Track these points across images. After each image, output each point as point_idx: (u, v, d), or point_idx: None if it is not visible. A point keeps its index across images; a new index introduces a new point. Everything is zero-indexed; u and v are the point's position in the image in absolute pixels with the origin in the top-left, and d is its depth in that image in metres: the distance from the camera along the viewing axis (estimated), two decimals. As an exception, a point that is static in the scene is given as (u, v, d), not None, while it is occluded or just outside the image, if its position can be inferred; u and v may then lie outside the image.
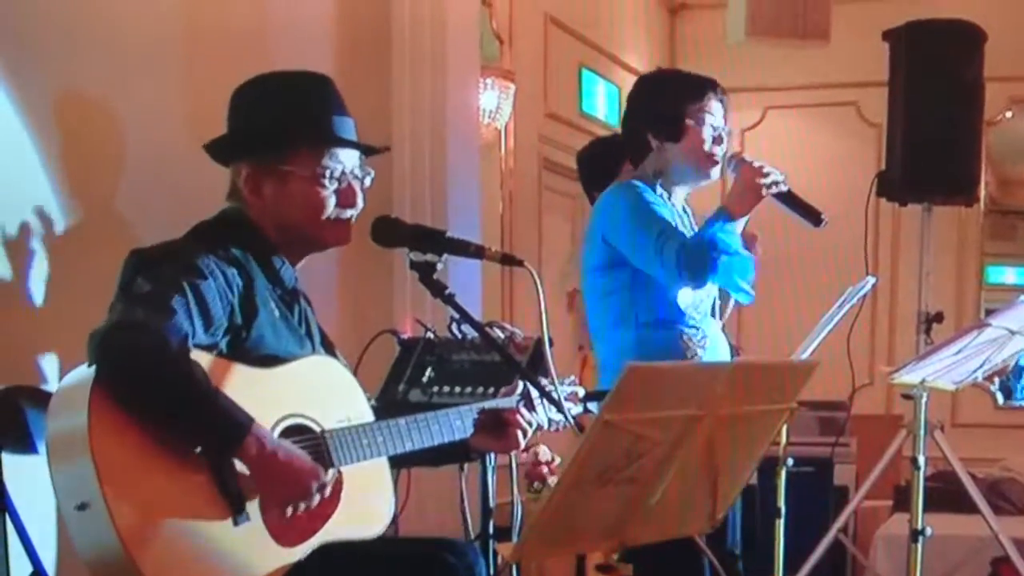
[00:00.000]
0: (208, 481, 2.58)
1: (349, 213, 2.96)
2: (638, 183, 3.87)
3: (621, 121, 4.10)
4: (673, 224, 3.81)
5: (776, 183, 3.76)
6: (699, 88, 3.89)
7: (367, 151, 3.03)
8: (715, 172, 3.90)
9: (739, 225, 3.74)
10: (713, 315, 3.98)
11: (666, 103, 3.88)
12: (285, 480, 2.63)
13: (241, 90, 2.99)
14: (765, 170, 3.76)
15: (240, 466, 2.61)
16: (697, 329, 3.86)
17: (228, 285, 2.75)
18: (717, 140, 3.86)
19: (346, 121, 2.97)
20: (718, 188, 4.37)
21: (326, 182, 2.91)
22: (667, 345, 3.82)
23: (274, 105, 2.94)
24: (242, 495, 2.61)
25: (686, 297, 3.85)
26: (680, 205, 3.98)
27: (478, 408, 3.11)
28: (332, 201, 2.92)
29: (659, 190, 3.89)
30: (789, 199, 3.82)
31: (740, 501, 3.97)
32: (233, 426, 2.56)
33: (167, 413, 2.54)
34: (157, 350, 2.53)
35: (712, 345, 3.90)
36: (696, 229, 3.93)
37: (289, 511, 2.67)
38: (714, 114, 3.87)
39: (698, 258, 3.68)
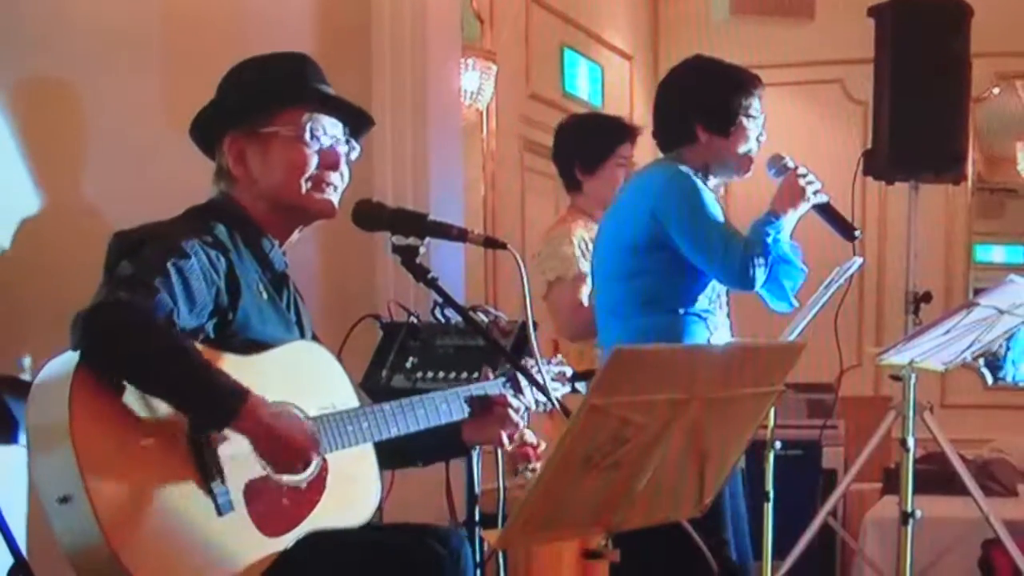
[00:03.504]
0: (192, 472, 2.57)
1: (332, 178, 2.94)
2: (690, 171, 3.87)
3: (660, 103, 4.06)
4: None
5: (818, 191, 3.84)
6: (751, 85, 3.94)
7: (351, 110, 3.01)
8: (748, 173, 3.98)
9: (789, 230, 3.81)
10: (720, 306, 4.03)
11: (722, 96, 3.92)
12: (286, 448, 2.64)
13: (227, 72, 2.98)
14: (808, 177, 3.84)
15: (223, 456, 2.60)
16: (715, 318, 3.93)
17: (213, 268, 2.72)
18: (759, 138, 3.94)
19: (329, 90, 2.96)
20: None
21: (308, 140, 2.90)
22: (698, 332, 3.84)
23: (256, 73, 2.94)
24: (225, 483, 2.60)
25: (709, 289, 3.90)
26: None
27: (464, 392, 3.10)
28: (315, 161, 2.91)
29: (701, 179, 3.92)
30: (826, 210, 3.91)
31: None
32: (230, 396, 2.55)
33: (161, 388, 2.52)
34: (143, 326, 2.51)
35: (720, 333, 3.96)
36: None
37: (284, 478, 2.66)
38: (758, 111, 3.93)
39: (760, 261, 3.73)
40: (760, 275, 3.74)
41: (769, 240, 3.74)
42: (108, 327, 2.49)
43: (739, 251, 3.71)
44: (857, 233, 3.92)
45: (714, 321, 3.92)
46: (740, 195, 7.03)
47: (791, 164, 3.85)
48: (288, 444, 2.64)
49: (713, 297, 3.93)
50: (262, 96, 2.90)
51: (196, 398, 2.55)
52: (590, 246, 4.56)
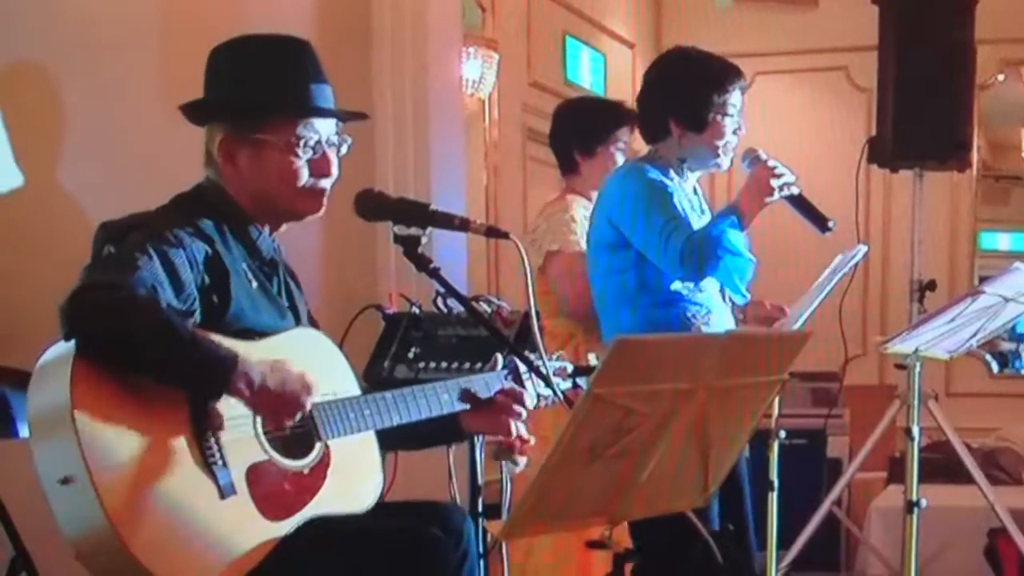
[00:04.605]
0: (195, 455, 2.56)
1: (324, 183, 2.92)
2: (648, 166, 3.88)
3: (638, 97, 4.07)
4: (681, 212, 3.84)
5: (788, 184, 3.82)
6: (726, 78, 3.92)
7: (344, 118, 2.98)
8: (726, 163, 3.96)
9: (746, 223, 3.78)
10: (721, 293, 3.98)
11: (693, 92, 3.91)
12: (280, 406, 2.62)
13: (218, 53, 2.94)
14: (779, 171, 3.80)
15: (225, 440, 2.59)
16: (701, 306, 3.90)
17: (198, 257, 2.71)
18: (736, 131, 3.92)
19: (323, 88, 2.92)
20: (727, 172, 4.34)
21: (300, 151, 2.87)
22: (673, 323, 3.83)
23: (250, 72, 2.89)
24: (227, 466, 2.59)
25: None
26: (691, 187, 4.02)
27: (465, 383, 3.09)
28: (306, 171, 2.89)
29: (672, 174, 3.90)
30: (799, 202, 3.88)
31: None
32: (219, 363, 2.54)
33: (148, 364, 2.51)
34: (125, 301, 2.49)
35: (716, 320, 3.92)
36: (705, 211, 4.02)
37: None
38: (736, 105, 3.91)
39: (702, 254, 3.72)
40: (702, 267, 3.73)
41: (715, 232, 3.73)
42: (87, 310, 2.47)
43: (679, 245, 3.71)
44: (831, 224, 3.88)
45: (698, 308, 3.88)
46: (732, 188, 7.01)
47: (763, 157, 3.85)
48: (281, 406, 2.62)
49: (692, 284, 3.90)
50: (255, 105, 2.87)
51: (185, 371, 2.53)
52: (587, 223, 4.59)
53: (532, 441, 3.94)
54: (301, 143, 2.86)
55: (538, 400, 3.21)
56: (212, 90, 2.93)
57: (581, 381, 3.38)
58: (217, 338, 2.64)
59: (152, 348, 2.50)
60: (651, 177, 3.86)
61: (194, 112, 2.93)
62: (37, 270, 3.39)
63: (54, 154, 3.66)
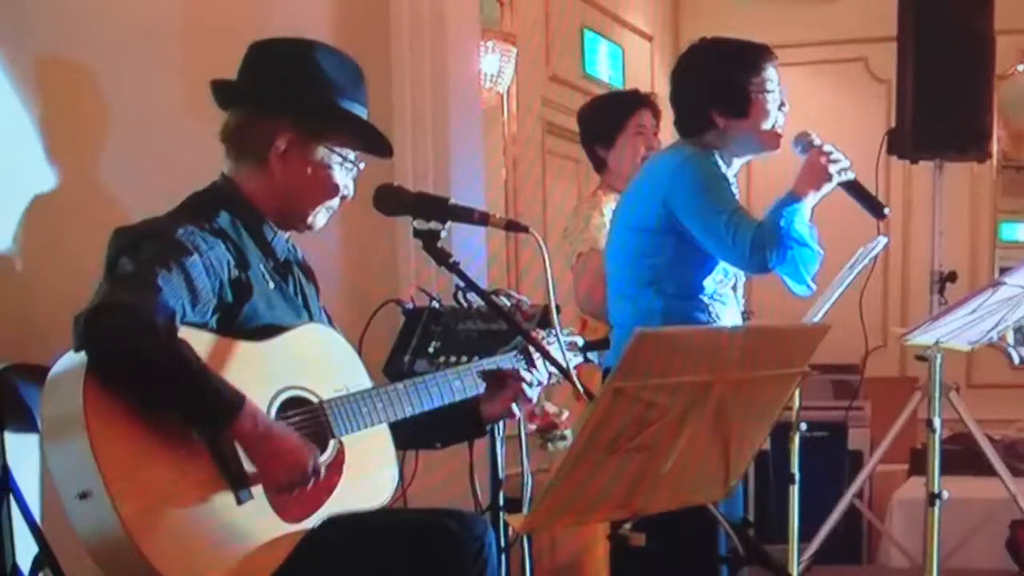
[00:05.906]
0: (209, 461, 2.56)
1: (337, 204, 2.98)
2: (705, 154, 3.80)
3: (672, 94, 4.01)
4: (741, 202, 3.77)
5: (844, 169, 3.72)
6: (757, 57, 3.85)
7: (390, 154, 3.03)
8: (778, 148, 3.87)
9: (807, 212, 3.69)
10: (735, 288, 3.96)
11: (728, 78, 3.82)
12: (281, 460, 2.61)
13: (288, 48, 2.94)
14: (834, 156, 3.71)
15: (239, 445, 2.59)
16: (724, 304, 3.85)
17: (216, 260, 2.71)
18: (781, 107, 3.84)
19: (361, 113, 2.97)
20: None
21: (349, 170, 2.92)
22: (692, 317, 3.79)
23: (330, 85, 2.90)
24: (244, 473, 2.60)
25: (718, 274, 3.83)
26: (733, 174, 3.93)
27: (476, 367, 3.09)
28: (340, 194, 2.93)
29: (719, 161, 3.84)
30: (854, 188, 3.79)
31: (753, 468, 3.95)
32: (224, 406, 2.54)
33: (156, 395, 2.51)
34: (143, 331, 2.49)
35: (728, 316, 3.89)
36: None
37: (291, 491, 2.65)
38: (774, 80, 3.83)
39: (771, 246, 3.63)
40: (771, 259, 3.66)
41: (783, 223, 3.64)
42: (107, 332, 2.47)
43: (748, 236, 3.63)
44: (886, 211, 3.84)
45: (718, 308, 3.85)
46: (763, 174, 7.00)
47: (817, 142, 3.75)
48: (281, 460, 2.61)
49: (720, 279, 3.86)
50: (336, 118, 2.89)
51: (190, 408, 2.54)
52: None
53: (566, 414, 3.92)
54: (353, 165, 2.92)
55: (550, 377, 3.21)
56: (272, 83, 2.90)
57: (592, 355, 3.39)
58: (231, 343, 2.66)
59: (160, 385, 2.51)
60: (712, 163, 3.79)
61: (258, 99, 2.90)
62: (66, 269, 3.41)
63: (83, 152, 3.67)
